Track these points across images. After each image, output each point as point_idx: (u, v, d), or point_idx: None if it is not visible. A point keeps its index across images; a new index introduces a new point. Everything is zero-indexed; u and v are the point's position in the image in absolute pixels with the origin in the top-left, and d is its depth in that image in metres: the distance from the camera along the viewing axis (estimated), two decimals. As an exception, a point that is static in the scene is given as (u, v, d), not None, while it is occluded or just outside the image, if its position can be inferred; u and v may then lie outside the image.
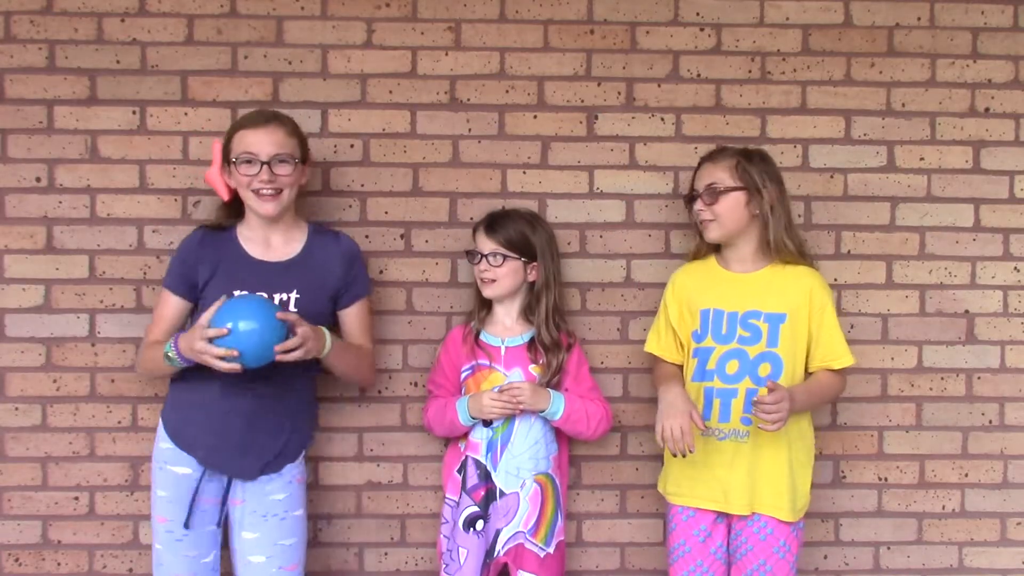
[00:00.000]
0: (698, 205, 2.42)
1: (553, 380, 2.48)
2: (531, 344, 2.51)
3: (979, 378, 2.77)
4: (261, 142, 2.31)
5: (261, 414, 2.34)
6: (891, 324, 2.75)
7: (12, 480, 2.64)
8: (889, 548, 2.78)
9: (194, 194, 2.64)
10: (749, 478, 2.37)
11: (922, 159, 2.75)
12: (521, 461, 2.45)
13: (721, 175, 2.39)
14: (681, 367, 2.51)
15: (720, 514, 2.41)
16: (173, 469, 2.35)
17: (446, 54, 2.68)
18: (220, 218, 2.45)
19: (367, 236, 2.66)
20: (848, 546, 2.77)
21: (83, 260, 2.63)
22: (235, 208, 2.43)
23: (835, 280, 2.73)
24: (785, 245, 2.39)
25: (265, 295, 2.29)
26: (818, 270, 2.47)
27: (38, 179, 2.63)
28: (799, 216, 2.72)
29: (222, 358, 2.13)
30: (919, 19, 2.75)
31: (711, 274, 2.48)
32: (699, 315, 2.45)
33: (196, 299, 2.38)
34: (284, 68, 2.66)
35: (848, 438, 2.75)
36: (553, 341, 2.50)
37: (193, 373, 2.28)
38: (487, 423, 2.46)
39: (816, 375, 2.42)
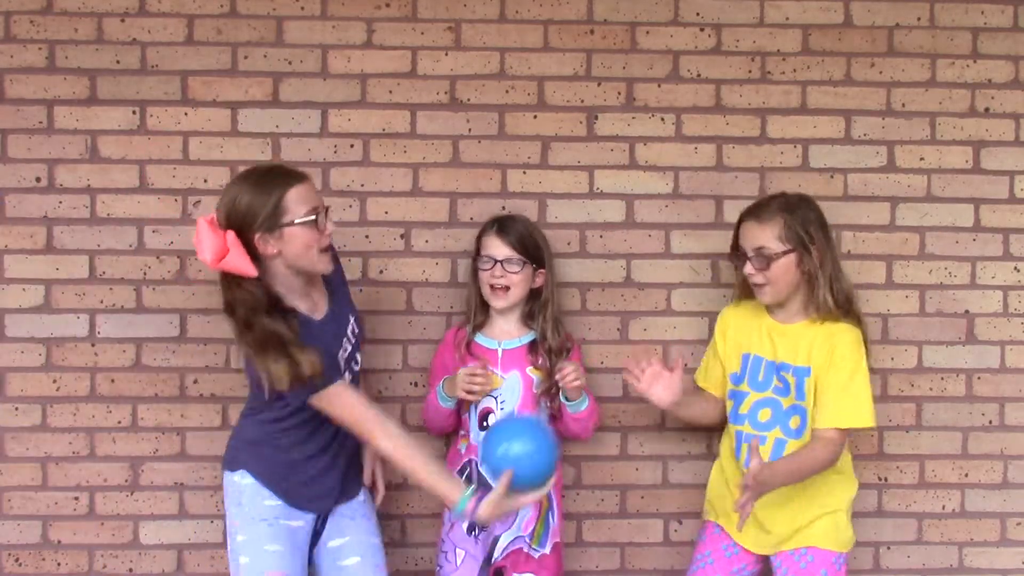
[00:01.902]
0: (748, 269, 2.34)
1: (555, 394, 2.46)
2: (531, 347, 2.49)
3: (979, 378, 2.77)
4: (316, 195, 2.19)
5: (344, 449, 2.35)
6: (891, 324, 2.75)
7: (12, 480, 2.64)
8: (889, 548, 2.78)
9: (194, 194, 2.64)
10: (783, 519, 2.36)
11: (922, 159, 2.75)
12: None
13: (769, 238, 2.31)
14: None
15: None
16: (288, 523, 2.25)
17: (446, 54, 2.68)
18: (262, 297, 2.14)
19: (367, 236, 2.66)
20: (848, 546, 2.77)
21: (83, 260, 2.63)
22: (258, 284, 2.16)
23: (835, 280, 2.73)
24: (827, 306, 2.32)
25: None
26: (862, 327, 2.38)
27: (38, 179, 2.63)
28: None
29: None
30: (919, 19, 2.75)
31: (757, 318, 2.45)
32: (740, 359, 2.44)
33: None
34: (284, 68, 2.66)
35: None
36: (560, 345, 2.48)
37: (307, 434, 2.26)
38: (483, 426, 2.44)
39: (801, 448, 2.32)
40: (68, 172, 2.63)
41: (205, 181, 2.64)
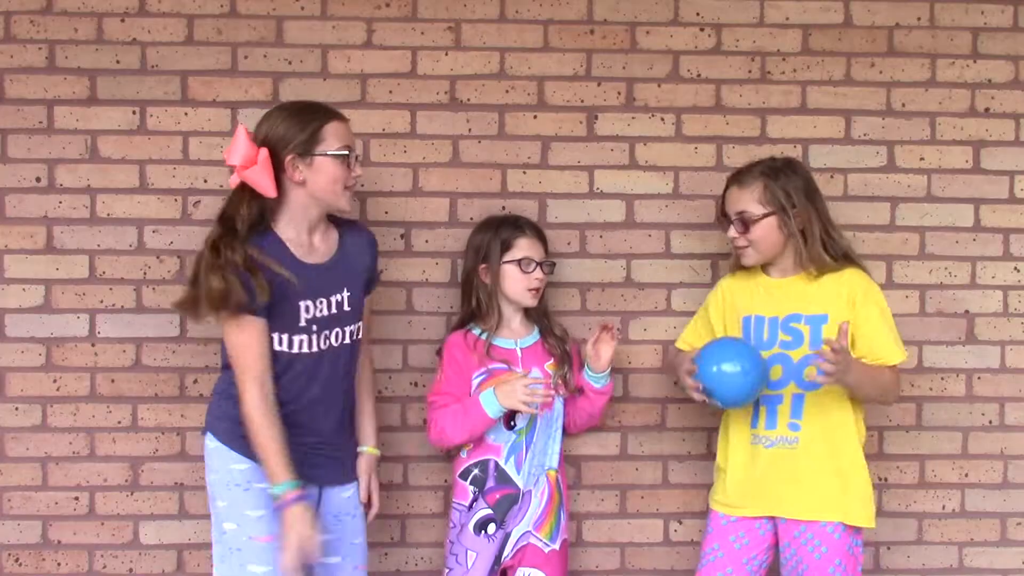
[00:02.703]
0: (731, 232, 2.38)
1: (568, 372, 2.49)
2: (541, 339, 2.52)
3: (979, 378, 2.77)
4: (352, 136, 2.26)
5: (345, 425, 2.34)
6: (891, 324, 2.75)
7: (12, 480, 2.64)
8: (889, 548, 2.77)
9: (194, 194, 2.64)
10: (801, 484, 2.32)
11: (922, 159, 2.75)
12: (540, 459, 2.46)
13: (749, 201, 2.35)
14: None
15: (765, 524, 2.37)
16: (262, 486, 2.19)
17: (446, 54, 2.68)
18: (256, 216, 2.20)
19: (367, 236, 2.66)
20: (848, 546, 2.77)
21: (83, 260, 2.63)
22: (266, 203, 2.22)
23: (835, 280, 2.73)
24: (822, 260, 2.35)
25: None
26: (864, 269, 2.41)
27: (38, 179, 2.63)
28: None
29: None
30: (919, 19, 2.75)
31: (753, 280, 2.46)
32: (741, 322, 2.44)
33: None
34: (284, 68, 2.66)
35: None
36: (563, 333, 2.53)
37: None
38: (510, 426, 2.43)
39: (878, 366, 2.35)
40: (68, 172, 2.63)
41: (205, 181, 2.64)
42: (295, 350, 2.22)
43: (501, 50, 2.69)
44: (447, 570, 2.45)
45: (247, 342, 2.16)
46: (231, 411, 2.21)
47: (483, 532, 2.42)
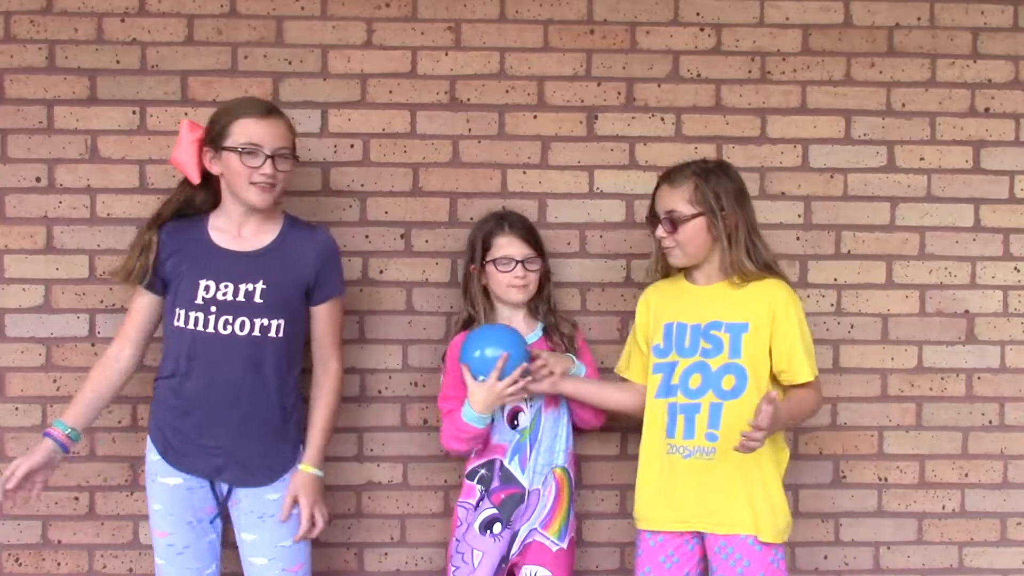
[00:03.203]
0: (659, 232, 2.34)
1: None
2: (544, 337, 2.50)
3: (979, 378, 2.77)
4: (266, 134, 2.27)
5: (247, 433, 2.30)
6: (891, 324, 2.75)
7: (12, 480, 2.64)
8: (889, 548, 2.78)
9: (194, 194, 2.64)
10: (717, 496, 2.27)
11: (922, 159, 2.76)
12: (546, 457, 2.44)
13: (679, 202, 2.30)
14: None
15: (692, 539, 2.32)
16: (164, 481, 2.32)
17: (446, 54, 2.68)
18: (182, 202, 2.37)
19: (367, 236, 2.66)
20: (848, 546, 2.77)
21: (83, 260, 2.63)
22: (196, 192, 2.37)
23: (835, 280, 2.73)
24: (744, 266, 2.30)
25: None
26: (786, 281, 2.36)
27: (38, 179, 2.63)
28: (799, 216, 2.73)
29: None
30: (919, 19, 2.75)
31: (676, 286, 2.43)
32: (663, 329, 2.39)
33: (165, 294, 2.34)
34: (284, 68, 2.66)
35: (848, 438, 2.75)
36: (569, 326, 2.53)
37: (177, 382, 2.30)
38: (513, 425, 2.43)
39: (792, 393, 2.31)
40: (68, 172, 2.63)
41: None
42: (189, 326, 2.28)
43: (501, 50, 2.69)
44: (453, 568, 2.43)
45: (132, 308, 2.38)
46: (154, 402, 2.37)
47: (488, 532, 2.41)
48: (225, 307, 2.28)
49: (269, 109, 2.32)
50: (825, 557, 2.77)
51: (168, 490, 2.31)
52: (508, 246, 2.44)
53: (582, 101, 2.71)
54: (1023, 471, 2.78)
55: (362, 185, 2.68)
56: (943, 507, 2.78)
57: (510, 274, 2.43)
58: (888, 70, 2.75)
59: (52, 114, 2.63)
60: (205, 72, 2.64)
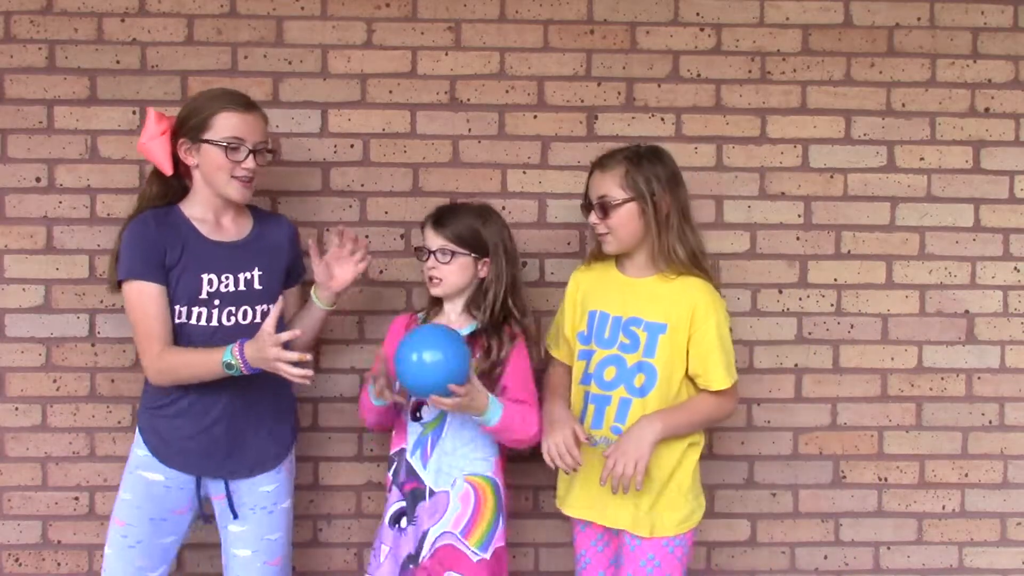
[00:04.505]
0: (592, 218, 2.31)
1: (493, 374, 2.34)
2: (473, 337, 2.37)
3: (979, 378, 2.77)
4: (251, 129, 2.26)
5: (243, 416, 2.31)
6: (891, 324, 2.75)
7: (12, 480, 2.64)
8: (889, 548, 2.78)
9: (194, 194, 2.64)
10: (606, 488, 2.23)
11: (922, 159, 2.75)
12: (453, 460, 2.35)
13: (611, 187, 2.27)
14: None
15: (610, 530, 2.33)
16: (144, 475, 2.30)
17: (446, 54, 2.68)
18: (156, 196, 2.33)
19: (367, 236, 2.66)
20: (848, 546, 2.77)
21: (83, 260, 2.63)
22: (168, 183, 2.34)
23: (835, 280, 2.73)
24: (675, 255, 2.27)
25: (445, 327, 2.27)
26: (712, 281, 2.32)
27: (38, 179, 2.63)
28: (799, 216, 2.73)
29: (295, 364, 2.08)
30: (919, 19, 2.75)
31: (606, 274, 2.39)
32: (587, 316, 2.37)
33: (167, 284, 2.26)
34: (284, 68, 2.66)
35: (848, 438, 2.76)
36: (496, 334, 2.37)
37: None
38: (416, 417, 2.39)
39: (693, 398, 2.30)
40: (68, 172, 2.63)
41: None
42: (193, 321, 2.25)
43: (501, 50, 2.69)
44: (368, 563, 2.43)
45: (143, 306, 2.22)
46: (145, 399, 2.34)
47: (396, 525, 2.37)
48: (228, 298, 2.28)
49: (248, 102, 2.31)
50: (825, 557, 2.77)
51: (145, 484, 2.30)
52: (426, 237, 2.41)
53: (582, 101, 2.70)
54: (1023, 471, 2.78)
55: (362, 185, 2.68)
56: (943, 507, 2.78)
57: (424, 264, 2.40)
58: (888, 70, 2.75)
59: (52, 114, 2.63)
60: (205, 72, 2.64)
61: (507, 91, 2.69)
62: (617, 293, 2.35)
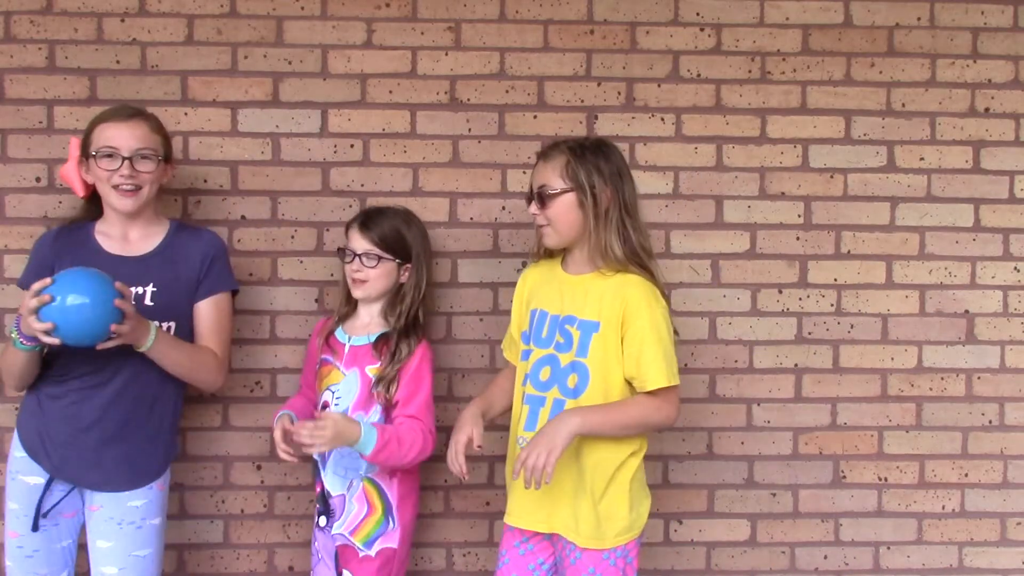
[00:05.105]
0: (532, 208, 2.25)
1: (390, 384, 2.35)
2: (377, 343, 2.40)
3: (979, 378, 2.77)
4: (123, 136, 2.26)
5: (117, 426, 2.26)
6: (891, 324, 2.75)
7: None
8: (889, 548, 2.78)
9: (194, 194, 2.64)
10: (556, 497, 2.19)
11: (922, 159, 2.76)
12: (348, 462, 2.36)
13: (551, 176, 2.21)
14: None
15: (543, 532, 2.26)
16: (25, 479, 2.27)
17: (446, 54, 2.68)
18: (82, 216, 2.39)
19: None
20: (848, 546, 2.77)
21: (83, 260, 2.63)
22: (97, 205, 2.37)
23: (835, 280, 2.73)
24: (611, 251, 2.18)
25: (104, 274, 2.12)
26: (656, 280, 2.23)
27: (38, 179, 2.63)
28: (799, 216, 2.73)
29: (45, 332, 2.03)
30: (919, 19, 2.75)
31: (551, 272, 2.33)
32: (529, 315, 2.32)
33: None
34: (284, 68, 2.66)
35: (848, 438, 2.76)
36: (405, 339, 2.38)
37: (48, 380, 2.26)
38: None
39: (627, 399, 2.19)
40: (68, 172, 2.63)
41: (205, 181, 2.64)
42: None
43: (501, 50, 2.69)
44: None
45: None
46: (28, 402, 2.32)
47: (317, 524, 2.42)
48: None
49: (131, 113, 2.31)
50: (825, 557, 2.77)
51: (27, 489, 2.27)
52: (352, 239, 2.43)
53: (582, 101, 2.70)
54: (1023, 471, 2.78)
55: (362, 185, 2.68)
56: (943, 507, 2.78)
57: (349, 266, 2.41)
58: (888, 70, 2.75)
59: (52, 114, 2.63)
60: (205, 72, 2.64)
61: (507, 91, 2.69)
62: (557, 291, 2.28)
